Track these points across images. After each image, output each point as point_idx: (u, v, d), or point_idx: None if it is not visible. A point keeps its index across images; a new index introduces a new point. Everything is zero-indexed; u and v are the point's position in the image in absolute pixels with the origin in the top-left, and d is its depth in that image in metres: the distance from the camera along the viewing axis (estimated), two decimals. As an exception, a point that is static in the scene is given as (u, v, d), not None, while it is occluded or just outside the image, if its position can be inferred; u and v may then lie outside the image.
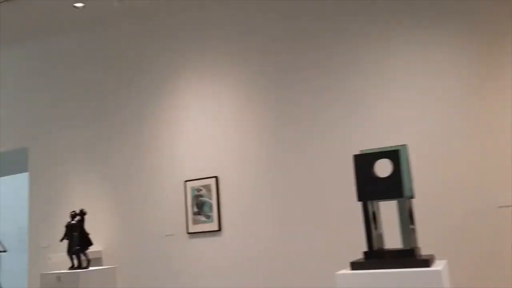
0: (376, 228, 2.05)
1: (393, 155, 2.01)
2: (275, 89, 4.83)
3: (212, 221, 4.79)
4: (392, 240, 2.30)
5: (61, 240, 4.40)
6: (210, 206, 4.82)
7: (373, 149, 2.12)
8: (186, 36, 5.43)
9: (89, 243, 4.32)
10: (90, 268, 4.31)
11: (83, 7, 5.17)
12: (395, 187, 1.98)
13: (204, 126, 5.09)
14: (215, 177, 4.84)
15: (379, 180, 2.02)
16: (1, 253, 9.40)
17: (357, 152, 2.15)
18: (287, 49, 4.81)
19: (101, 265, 5.21)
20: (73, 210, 4.62)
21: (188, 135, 5.17)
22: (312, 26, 4.73)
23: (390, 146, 2.11)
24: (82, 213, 4.37)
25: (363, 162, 2.08)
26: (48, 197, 5.98)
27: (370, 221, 2.03)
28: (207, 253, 4.85)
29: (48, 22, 5.75)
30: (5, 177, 8.39)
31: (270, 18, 4.94)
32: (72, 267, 4.32)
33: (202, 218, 4.85)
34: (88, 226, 4.93)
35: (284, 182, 4.62)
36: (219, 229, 4.77)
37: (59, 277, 4.06)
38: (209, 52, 5.24)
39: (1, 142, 6.49)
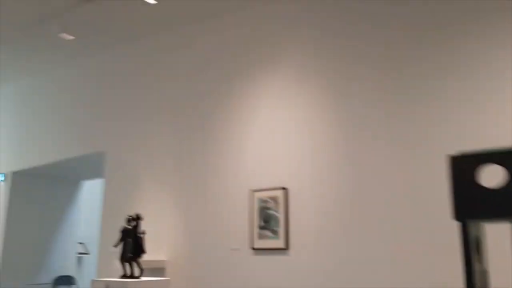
0: (479, 261, 1.40)
1: (509, 158, 1.37)
2: (355, 94, 4.22)
3: (278, 237, 4.26)
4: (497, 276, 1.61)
5: (116, 245, 4.14)
6: (277, 220, 4.30)
7: (477, 150, 1.48)
8: (260, 32, 5.02)
9: (142, 250, 4.00)
10: (142, 278, 3.98)
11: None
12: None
13: (275, 132, 4.61)
14: (284, 188, 4.32)
15: (487, 192, 1.39)
16: (83, 255, 9.68)
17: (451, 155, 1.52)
18: (373, 55, 4.20)
19: (164, 276, 4.90)
20: (130, 214, 4.34)
21: (257, 141, 4.72)
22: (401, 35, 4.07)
23: (500, 147, 1.46)
24: (138, 218, 4.08)
25: (464, 167, 1.45)
26: (120, 203, 5.87)
27: (471, 249, 1.39)
28: (272, 273, 4.32)
29: (128, 27, 5.68)
30: (89, 181, 8.56)
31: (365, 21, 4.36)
32: (123, 276, 4.03)
33: (269, 233, 4.34)
34: (154, 235, 4.67)
35: (362, 198, 3.97)
36: (286, 247, 4.23)
37: (108, 285, 3.77)
38: (285, 53, 4.77)
39: (81, 145, 6.53)
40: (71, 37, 4.88)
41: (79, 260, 8.90)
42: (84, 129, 6.63)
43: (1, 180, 7.59)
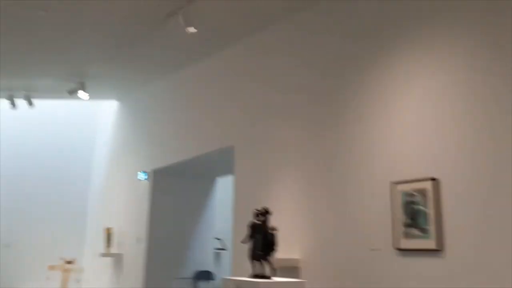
0: None
1: None
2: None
3: (428, 237, 3.59)
4: None
5: (244, 242, 3.87)
6: (426, 216, 3.62)
7: None
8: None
9: (272, 248, 3.65)
10: (275, 279, 3.62)
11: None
12: None
13: (422, 111, 3.91)
14: (434, 179, 3.62)
15: None
16: (221, 251, 9.84)
17: None
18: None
19: (298, 276, 4.52)
20: (257, 208, 4.02)
21: (399, 124, 4.06)
22: None
23: None
24: (266, 212, 3.74)
25: None
26: (250, 198, 5.67)
27: None
28: (423, 278, 3.64)
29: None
30: (224, 177, 8.62)
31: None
32: (254, 275, 3.72)
33: (416, 232, 3.68)
34: (286, 231, 4.33)
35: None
36: (440, 249, 3.53)
37: (238, 285, 3.50)
38: (437, 23, 4.05)
39: (212, 141, 6.51)
40: (194, 30, 4.76)
41: (217, 256, 9.01)
42: (215, 124, 6.61)
43: (145, 178, 7.99)
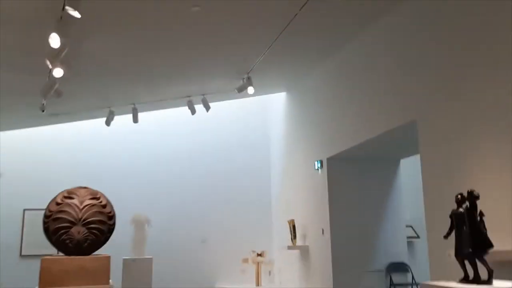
0: None
1: None
2: None
3: None
4: None
5: (446, 236, 3.07)
6: None
7: None
8: None
9: (486, 244, 2.78)
10: (495, 284, 2.75)
11: None
12: None
13: None
14: None
15: None
16: (414, 240, 8.89)
17: None
18: None
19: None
20: (459, 192, 3.16)
21: None
22: None
23: None
24: (472, 197, 2.87)
25: None
26: (442, 179, 4.78)
27: None
28: None
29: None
30: (407, 159, 7.71)
31: None
32: (464, 279, 2.90)
33: None
34: (493, 218, 3.38)
35: None
36: None
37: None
38: None
39: (389, 118, 5.74)
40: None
41: (410, 245, 8.13)
42: (390, 100, 5.82)
43: (318, 167, 7.60)
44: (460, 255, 2.98)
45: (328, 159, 7.41)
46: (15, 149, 9.23)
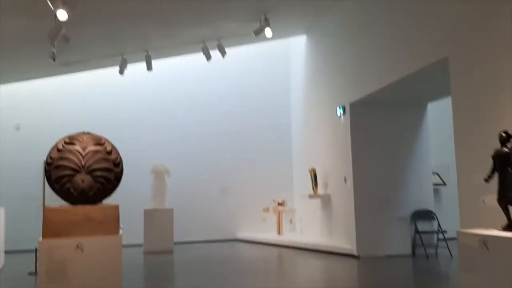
0: None
1: None
2: None
3: None
4: None
5: (487, 179, 2.75)
6: None
7: None
8: None
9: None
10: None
11: None
12: None
13: None
14: None
15: None
16: (439, 187, 8.56)
17: None
18: None
19: None
20: (504, 130, 2.79)
21: None
22: None
23: None
24: (514, 136, 2.53)
25: None
26: (474, 122, 4.40)
27: None
28: None
29: None
30: (435, 103, 7.26)
31: None
32: (509, 227, 2.60)
33: None
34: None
35: None
36: None
37: (484, 240, 2.46)
38: None
39: (417, 57, 5.29)
40: None
41: (436, 192, 7.83)
42: (419, 37, 5.34)
43: (341, 114, 7.24)
44: (503, 200, 2.66)
45: (351, 105, 7.03)
46: (32, 102, 9.13)
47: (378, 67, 6.24)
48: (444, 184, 8.58)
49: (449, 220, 7.23)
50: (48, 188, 9.08)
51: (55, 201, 9.48)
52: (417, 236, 6.88)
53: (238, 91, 9.93)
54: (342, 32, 7.44)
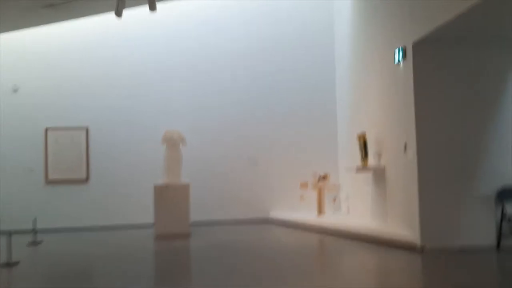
0: None
1: None
2: None
3: None
4: None
5: None
6: None
7: None
8: None
9: None
10: None
11: None
12: None
13: None
14: None
15: None
16: None
17: None
18: None
19: None
20: None
21: None
22: None
23: None
24: None
25: None
26: None
27: None
28: None
29: None
30: None
31: None
32: None
33: None
34: None
35: None
36: None
37: None
38: None
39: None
40: None
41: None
42: None
43: (400, 59, 5.55)
44: None
45: (415, 45, 5.33)
46: (30, 62, 7.98)
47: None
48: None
49: None
50: (51, 160, 7.90)
51: (60, 173, 8.06)
52: (505, 222, 5.19)
53: (270, 43, 8.35)
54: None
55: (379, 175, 6.35)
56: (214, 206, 7.90)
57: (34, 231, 6.55)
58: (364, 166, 6.58)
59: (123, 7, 6.23)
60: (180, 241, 6.41)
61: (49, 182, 7.74)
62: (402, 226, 5.67)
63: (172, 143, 7.02)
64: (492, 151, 5.39)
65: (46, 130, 7.79)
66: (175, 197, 6.77)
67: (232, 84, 8.21)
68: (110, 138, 7.90)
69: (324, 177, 7.71)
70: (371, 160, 6.54)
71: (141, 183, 7.52)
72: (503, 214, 5.24)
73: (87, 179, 7.78)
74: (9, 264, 4.92)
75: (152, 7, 6.21)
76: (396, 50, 5.64)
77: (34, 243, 6.37)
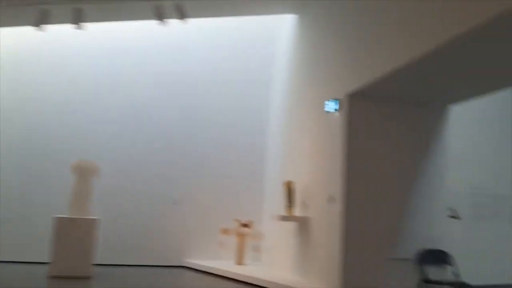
0: None
1: None
2: None
3: None
4: None
5: None
6: None
7: None
8: None
9: None
10: None
11: None
12: None
13: None
14: None
15: None
16: (452, 219, 6.78)
17: None
18: None
19: None
20: None
21: None
22: None
23: None
24: None
25: None
26: None
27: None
28: None
29: None
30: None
31: None
32: None
33: None
34: None
35: None
36: None
37: None
38: None
39: (437, 28, 3.57)
40: None
41: (448, 227, 6.00)
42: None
43: (335, 109, 5.44)
44: None
45: (349, 96, 5.24)
46: None
47: (382, 47, 4.48)
48: (457, 218, 6.82)
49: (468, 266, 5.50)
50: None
51: None
52: (425, 286, 5.07)
53: (202, 78, 7.96)
54: (335, 14, 5.73)
55: (304, 226, 6.09)
56: (125, 247, 7.21)
57: None
58: (289, 215, 6.30)
59: (45, 20, 5.69)
60: (77, 284, 5.67)
61: None
62: (323, 282, 5.38)
63: (83, 173, 6.37)
64: (415, 212, 5.33)
65: None
66: (78, 233, 6.06)
67: (154, 118, 7.68)
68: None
69: (247, 224, 7.33)
70: (297, 210, 6.29)
71: (39, 215, 6.73)
72: (423, 277, 5.12)
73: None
74: None
75: (76, 22, 5.72)
76: (330, 101, 5.55)
77: None
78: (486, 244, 7.15)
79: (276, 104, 7.91)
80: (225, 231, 7.32)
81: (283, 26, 7.85)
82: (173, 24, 6.34)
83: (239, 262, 7.14)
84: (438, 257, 5.26)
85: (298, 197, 6.29)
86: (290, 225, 6.46)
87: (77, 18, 5.78)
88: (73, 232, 6.05)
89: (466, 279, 5.11)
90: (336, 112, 5.45)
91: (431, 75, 4.51)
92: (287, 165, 7.00)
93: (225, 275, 6.55)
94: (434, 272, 5.17)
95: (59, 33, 6.80)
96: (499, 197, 7.43)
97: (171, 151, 7.68)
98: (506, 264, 7.17)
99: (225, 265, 6.97)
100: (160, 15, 5.92)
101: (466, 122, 6.78)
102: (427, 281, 5.06)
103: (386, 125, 5.35)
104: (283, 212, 6.38)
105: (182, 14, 6.02)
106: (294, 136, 6.89)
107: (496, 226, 7.21)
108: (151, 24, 6.41)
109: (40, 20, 5.71)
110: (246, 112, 8.08)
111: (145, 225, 7.37)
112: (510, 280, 6.91)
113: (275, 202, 7.09)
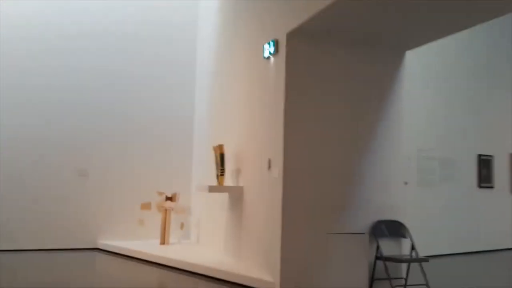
0: None
1: None
2: None
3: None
4: None
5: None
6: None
7: None
8: None
9: None
10: None
11: None
12: None
13: None
14: None
15: None
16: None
17: None
18: None
19: None
20: None
21: None
22: None
23: None
24: None
25: None
26: None
27: None
28: None
29: None
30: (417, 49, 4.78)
31: None
32: None
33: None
34: None
35: None
36: None
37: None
38: None
39: None
40: None
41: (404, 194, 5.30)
42: None
43: (270, 53, 4.49)
44: None
45: (289, 35, 4.26)
46: None
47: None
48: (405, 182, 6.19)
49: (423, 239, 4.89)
50: None
51: None
52: (379, 261, 4.34)
53: (123, 26, 6.75)
54: None
55: (236, 197, 5.17)
56: (25, 230, 5.97)
57: None
58: (219, 185, 5.34)
59: None
60: None
61: None
62: (259, 265, 4.52)
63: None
64: (368, 177, 4.55)
65: None
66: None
67: (59, 75, 6.41)
68: None
69: (172, 198, 6.31)
70: (228, 179, 5.35)
71: None
72: (378, 253, 4.39)
73: None
74: None
75: None
76: (266, 43, 4.56)
77: None
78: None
79: (205, 59, 6.81)
80: (145, 206, 6.27)
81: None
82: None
83: (164, 241, 6.15)
84: (393, 229, 4.54)
85: (230, 163, 5.34)
86: (221, 197, 5.52)
87: None
88: None
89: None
90: (273, 56, 4.49)
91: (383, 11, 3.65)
92: (218, 127, 6.01)
93: (144, 258, 5.55)
94: (389, 247, 4.46)
95: None
96: (447, 160, 6.98)
97: (79, 116, 6.43)
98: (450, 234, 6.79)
99: (147, 246, 5.95)
100: None
101: (417, 76, 6.15)
102: (382, 257, 4.34)
103: (340, 69, 4.45)
104: (212, 182, 5.42)
105: None
106: (225, 91, 5.88)
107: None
108: None
109: None
110: (173, 71, 6.97)
111: (50, 202, 6.15)
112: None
113: (205, 171, 6.11)
